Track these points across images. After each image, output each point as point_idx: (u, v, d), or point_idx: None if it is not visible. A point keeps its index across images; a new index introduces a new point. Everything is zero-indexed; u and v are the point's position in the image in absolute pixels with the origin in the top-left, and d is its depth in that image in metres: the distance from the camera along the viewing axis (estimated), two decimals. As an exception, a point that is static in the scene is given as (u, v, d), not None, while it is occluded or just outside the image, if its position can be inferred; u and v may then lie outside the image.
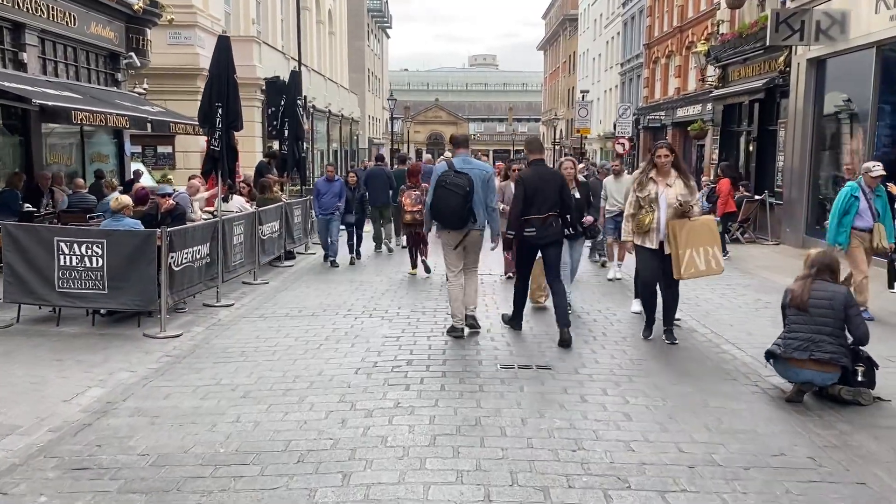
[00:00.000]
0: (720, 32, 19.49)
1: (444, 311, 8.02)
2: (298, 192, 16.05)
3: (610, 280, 10.02)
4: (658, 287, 6.78)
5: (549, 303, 7.95)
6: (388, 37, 61.02)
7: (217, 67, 9.58)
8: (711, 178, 17.14)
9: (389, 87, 59.33)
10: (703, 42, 20.98)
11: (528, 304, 7.88)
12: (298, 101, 13.77)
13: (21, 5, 11.67)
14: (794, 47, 14.54)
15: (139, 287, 7.10)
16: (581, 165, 27.39)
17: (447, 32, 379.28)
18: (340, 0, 38.13)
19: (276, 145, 14.89)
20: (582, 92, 37.28)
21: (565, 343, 6.52)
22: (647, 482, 3.84)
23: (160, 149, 20.33)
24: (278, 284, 10.01)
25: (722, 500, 3.66)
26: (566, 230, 6.91)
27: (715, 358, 6.35)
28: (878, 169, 7.72)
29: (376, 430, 4.51)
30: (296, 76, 14.15)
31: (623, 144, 26.78)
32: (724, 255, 8.26)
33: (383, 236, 13.67)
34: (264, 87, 21.58)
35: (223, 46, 9.71)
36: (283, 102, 13.83)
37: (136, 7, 15.07)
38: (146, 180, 15.03)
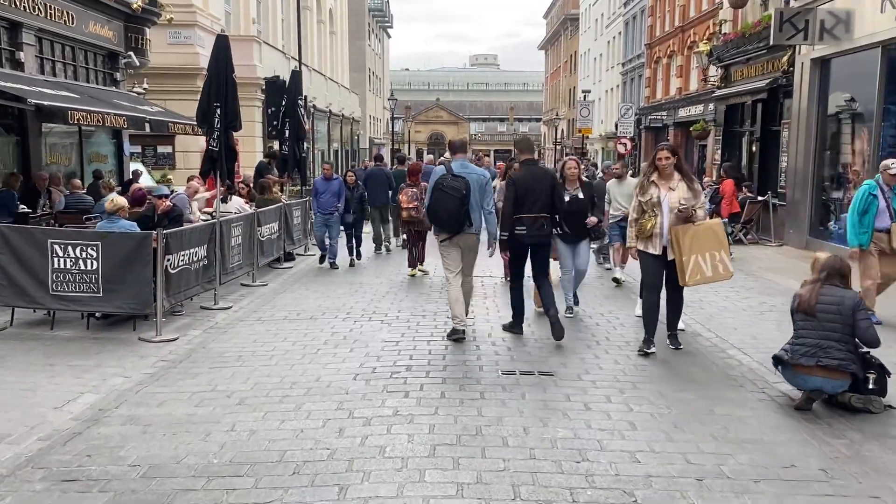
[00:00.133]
0: (722, 32, 19.36)
1: (445, 314, 7.90)
2: (299, 193, 15.93)
3: (615, 281, 9.84)
4: (663, 292, 6.59)
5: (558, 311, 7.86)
6: (389, 36, 60.88)
7: (215, 67, 9.47)
8: (714, 178, 17.02)
9: (390, 86, 59.20)
10: (705, 42, 20.85)
11: (532, 308, 7.78)
12: (299, 101, 13.65)
13: (18, 4, 11.56)
14: (797, 47, 14.40)
15: (134, 290, 6.99)
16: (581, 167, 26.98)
17: (448, 32, 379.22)
18: (341, -1, 38.05)
19: (276, 145, 14.77)
20: (584, 92, 37.14)
21: (557, 332, 6.66)
22: (655, 496, 3.72)
23: (160, 149, 20.23)
24: (277, 286, 9.89)
25: (731, 515, 3.55)
26: (555, 230, 7.00)
27: (720, 363, 6.22)
28: None
29: (374, 440, 4.39)
30: (296, 76, 14.03)
31: (625, 144, 26.68)
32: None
33: (383, 237, 13.56)
34: (264, 87, 21.49)
35: (221, 45, 9.59)
36: (283, 102, 13.71)
37: (134, 6, 14.96)
38: (145, 180, 14.92)
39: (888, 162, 7.55)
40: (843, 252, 12.44)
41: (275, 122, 14.53)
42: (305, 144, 15.43)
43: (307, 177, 15.62)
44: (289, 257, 12.01)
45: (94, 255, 6.93)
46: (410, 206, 10.40)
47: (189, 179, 12.53)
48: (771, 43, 14.25)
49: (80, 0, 13.35)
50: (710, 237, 6.29)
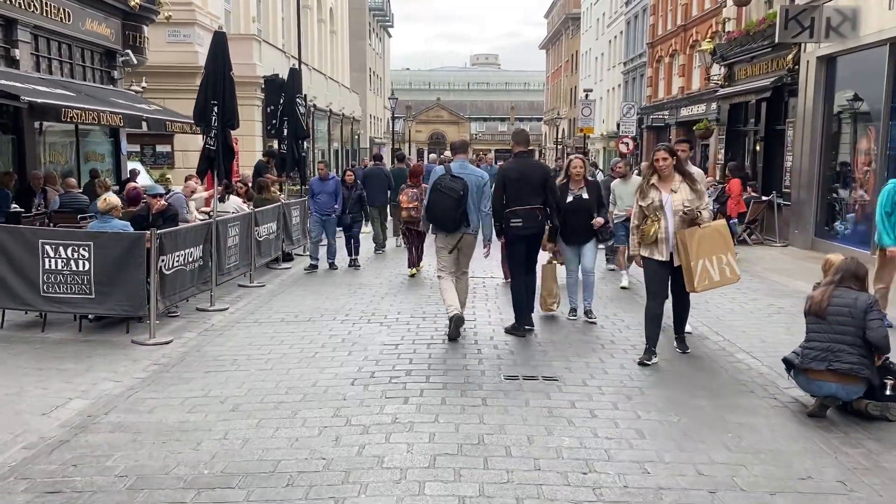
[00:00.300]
0: (726, 30, 19.16)
1: (445, 315, 7.71)
2: (298, 192, 15.76)
3: (623, 288, 9.63)
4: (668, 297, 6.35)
5: (560, 310, 7.70)
6: (389, 36, 60.68)
7: (213, 64, 9.31)
8: (717, 178, 16.84)
9: (391, 86, 59.06)
10: (708, 40, 20.65)
11: (538, 311, 7.61)
12: (298, 100, 13.46)
13: (13, 1, 11.39)
14: (803, 45, 14.23)
15: (128, 291, 6.82)
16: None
17: (449, 32, 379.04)
18: (341, -2, 37.86)
19: (276, 144, 14.59)
20: (585, 91, 36.91)
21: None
22: (665, 510, 3.54)
23: (159, 148, 20.09)
24: (275, 287, 9.72)
25: (747, 531, 3.37)
26: (548, 223, 7.03)
27: (729, 368, 6.05)
28: None
29: (372, 449, 4.21)
30: (294, 74, 13.83)
31: (627, 144, 26.47)
32: None
33: (382, 237, 13.40)
34: (264, 86, 21.32)
35: (219, 42, 9.42)
36: (281, 101, 13.53)
37: (132, 3, 14.79)
38: (143, 179, 14.74)
39: None
40: (850, 253, 12.30)
41: (273, 121, 14.35)
42: (305, 144, 15.27)
43: (307, 176, 15.46)
44: (287, 257, 11.83)
45: (86, 255, 6.76)
46: (410, 206, 10.29)
47: (187, 179, 12.39)
48: (776, 41, 14.07)
49: (77, -3, 13.20)
50: (716, 240, 6.02)
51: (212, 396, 5.21)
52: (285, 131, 13.13)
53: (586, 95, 35.03)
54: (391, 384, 5.43)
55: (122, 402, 5.10)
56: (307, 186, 15.21)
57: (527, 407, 4.93)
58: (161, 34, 17.84)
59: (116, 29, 14.89)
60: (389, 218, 14.70)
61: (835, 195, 13.80)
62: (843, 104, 13.55)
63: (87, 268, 6.77)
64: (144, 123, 12.39)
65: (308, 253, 11.86)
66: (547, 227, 7.10)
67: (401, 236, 12.52)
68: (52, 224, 10.39)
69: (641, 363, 6.01)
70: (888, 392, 4.82)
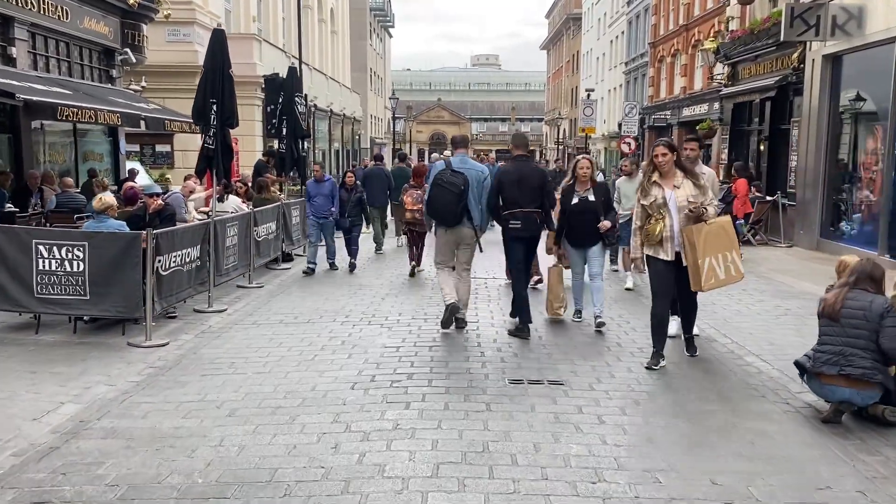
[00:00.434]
0: (730, 29, 19.01)
1: (461, 314, 7.56)
2: (298, 192, 15.61)
3: (628, 290, 9.45)
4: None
5: (567, 314, 7.54)
6: (390, 36, 60.55)
7: (211, 62, 9.17)
8: (721, 178, 16.67)
9: (392, 86, 58.90)
10: (711, 39, 20.51)
11: (545, 315, 7.46)
12: (297, 99, 13.31)
13: (10, -2, 11.26)
14: (808, 43, 14.07)
15: (123, 293, 6.67)
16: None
17: (450, 32, 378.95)
18: (342, -2, 37.72)
19: (276, 144, 14.44)
20: (587, 91, 36.77)
21: (517, 334, 6.82)
22: (679, 522, 3.39)
23: (158, 147, 19.97)
24: (274, 288, 9.58)
25: (765, 544, 3.22)
26: (544, 226, 7.09)
27: (739, 371, 5.90)
28: None
29: (373, 457, 4.06)
30: (293, 73, 13.68)
31: (629, 144, 26.28)
32: None
33: (382, 237, 13.26)
34: (264, 86, 21.19)
35: (218, 40, 9.29)
36: (280, 100, 13.38)
37: (131, 1, 14.66)
38: (142, 179, 14.61)
39: None
40: (856, 253, 12.12)
41: (273, 121, 14.20)
42: (306, 144, 15.11)
43: (307, 176, 15.30)
44: (287, 258, 11.69)
45: (81, 256, 6.61)
46: (415, 207, 10.13)
47: (186, 178, 12.24)
48: (781, 39, 13.91)
49: (75, -5, 13.07)
50: (721, 237, 5.82)
51: (208, 401, 5.06)
52: (284, 130, 12.98)
53: (588, 95, 34.89)
54: (392, 388, 5.28)
55: (115, 407, 4.96)
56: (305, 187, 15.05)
57: (532, 412, 4.78)
58: (161, 33, 17.72)
59: (115, 27, 14.76)
60: (390, 217, 14.57)
61: (841, 195, 13.64)
62: (849, 103, 13.39)
63: (81, 268, 6.62)
64: (143, 122, 12.24)
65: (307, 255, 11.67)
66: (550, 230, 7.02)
67: (402, 236, 12.42)
68: (48, 224, 10.26)
69: (649, 367, 5.83)
70: (906, 397, 4.66)
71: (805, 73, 14.31)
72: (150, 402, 5.05)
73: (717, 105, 21.29)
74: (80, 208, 10.38)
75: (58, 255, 6.63)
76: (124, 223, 7.22)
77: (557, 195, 9.00)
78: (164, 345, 6.54)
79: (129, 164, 15.93)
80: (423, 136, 75.99)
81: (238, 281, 9.42)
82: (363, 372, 5.70)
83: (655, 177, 5.92)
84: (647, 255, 5.96)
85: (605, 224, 7.08)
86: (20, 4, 11.56)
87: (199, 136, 9.13)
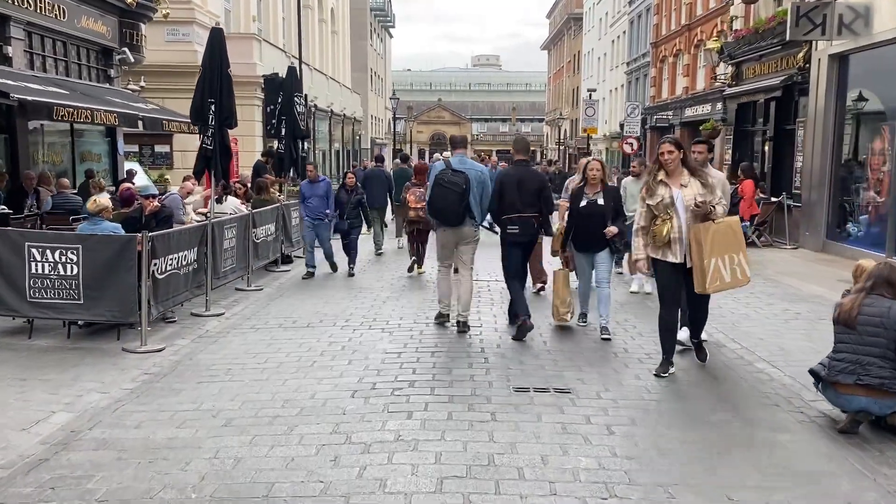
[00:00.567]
0: (734, 28, 18.84)
1: (451, 323, 7.43)
2: (298, 193, 15.45)
3: (633, 293, 9.29)
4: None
5: (574, 321, 7.37)
6: (391, 36, 60.39)
7: (209, 61, 9.04)
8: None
9: (392, 86, 58.76)
10: (714, 39, 20.34)
11: (552, 322, 7.28)
12: (296, 99, 13.17)
13: (5, -3, 11.11)
14: (814, 43, 13.91)
15: (118, 297, 6.52)
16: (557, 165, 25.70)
17: (450, 32, 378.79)
18: (343, -2, 37.57)
19: (276, 144, 14.29)
20: (589, 91, 36.61)
21: (520, 334, 6.79)
22: (696, 541, 3.23)
23: (157, 148, 19.83)
24: (273, 291, 9.42)
25: (787, 566, 3.06)
26: (542, 230, 7.16)
27: (750, 378, 5.73)
28: None
29: (373, 471, 3.89)
30: (293, 72, 13.54)
31: (631, 144, 26.15)
32: None
33: (382, 239, 13.12)
34: (264, 86, 21.05)
35: (216, 39, 9.15)
36: (279, 100, 13.24)
37: (129, 0, 14.51)
38: (141, 180, 14.46)
39: None
40: (863, 255, 11.97)
41: (273, 121, 14.06)
42: (306, 144, 14.97)
43: (306, 177, 15.15)
44: (286, 260, 11.53)
45: (75, 259, 6.45)
46: (418, 205, 9.96)
47: (184, 179, 12.08)
48: (787, 38, 13.75)
49: (72, -6, 12.91)
50: (729, 237, 5.55)
51: (203, 410, 4.91)
52: (283, 131, 12.84)
53: (590, 95, 34.74)
54: (394, 397, 5.12)
55: (107, 416, 4.80)
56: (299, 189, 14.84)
57: (539, 422, 4.61)
58: (160, 33, 17.59)
59: (113, 26, 14.61)
60: (391, 218, 14.42)
61: (847, 196, 13.47)
62: (856, 103, 13.23)
63: (75, 272, 6.47)
64: (140, 123, 12.09)
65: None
66: (558, 232, 6.87)
67: (403, 237, 12.29)
68: (44, 225, 10.11)
69: (658, 375, 5.66)
70: (927, 407, 4.49)
71: (811, 73, 14.15)
72: (143, 411, 4.89)
73: (719, 105, 21.12)
74: (77, 210, 10.21)
75: (51, 258, 6.47)
76: (119, 225, 7.06)
77: (560, 200, 8.83)
78: (159, 350, 6.38)
79: (128, 165, 15.78)
80: (423, 136, 75.85)
81: (236, 284, 9.27)
82: (364, 379, 5.54)
83: (661, 176, 5.67)
84: (654, 258, 5.72)
85: (612, 230, 6.74)
86: (16, 3, 11.41)
87: (198, 136, 9.00)
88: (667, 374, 5.65)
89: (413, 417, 4.69)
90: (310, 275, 10.45)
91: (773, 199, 15.01)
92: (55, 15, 12.57)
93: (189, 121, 10.62)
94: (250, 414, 4.80)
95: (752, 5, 17.64)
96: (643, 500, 3.59)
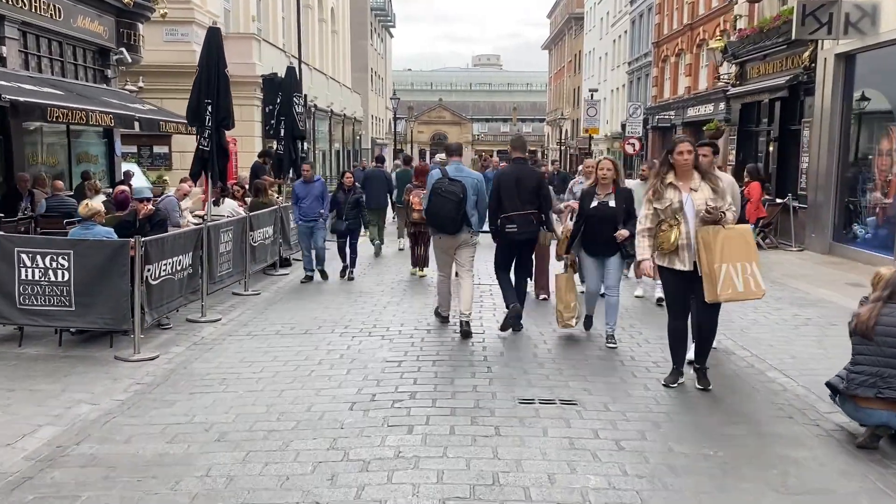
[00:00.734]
0: (738, 28, 18.66)
1: (453, 329, 7.27)
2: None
3: (638, 297, 9.08)
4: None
5: (579, 327, 7.14)
6: (391, 36, 60.20)
7: (206, 61, 8.87)
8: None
9: (393, 86, 58.57)
10: (718, 38, 20.15)
11: (556, 328, 7.08)
12: (295, 99, 12.97)
13: (0, -3, 10.94)
14: (820, 42, 13.71)
15: (110, 303, 6.34)
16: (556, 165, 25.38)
17: (451, 32, 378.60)
18: (343, -3, 37.38)
19: (275, 145, 14.10)
20: (591, 91, 36.42)
21: (508, 323, 7.02)
22: (714, 570, 3.05)
23: (156, 149, 19.67)
24: (271, 295, 9.24)
25: None
26: (542, 228, 7.22)
27: (762, 389, 5.54)
28: None
29: (372, 491, 3.71)
30: (292, 72, 13.33)
31: (633, 144, 25.99)
32: None
33: (380, 240, 12.97)
34: (263, 86, 20.88)
35: (212, 38, 8.98)
36: (278, 100, 13.04)
37: (126, 0, 14.33)
38: (139, 181, 14.29)
39: None
40: (870, 258, 11.76)
41: (271, 121, 13.87)
42: (305, 145, 14.78)
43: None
44: (285, 263, 11.34)
45: (66, 264, 6.28)
46: (422, 207, 9.80)
47: (181, 181, 11.90)
48: (793, 37, 13.56)
49: (68, -7, 12.74)
50: (741, 245, 5.22)
51: (196, 423, 4.72)
52: (283, 132, 12.64)
53: (591, 95, 34.56)
54: (394, 409, 4.93)
55: (96, 430, 4.62)
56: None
57: (545, 437, 4.43)
58: (159, 33, 17.43)
59: (110, 26, 14.43)
60: (391, 219, 14.25)
61: (853, 197, 13.28)
62: (863, 103, 13.04)
63: (66, 278, 6.29)
64: (137, 124, 11.92)
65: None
66: (564, 236, 6.70)
67: (405, 238, 12.18)
68: (37, 229, 9.94)
69: (667, 385, 5.46)
70: (950, 422, 4.31)
71: (817, 73, 13.95)
72: (133, 424, 4.71)
73: (722, 105, 20.94)
74: (71, 213, 10.02)
75: (41, 264, 6.30)
76: (112, 230, 6.88)
77: (562, 202, 8.61)
78: (153, 358, 6.21)
79: (125, 166, 15.61)
80: (424, 136, 75.66)
81: (234, 288, 9.09)
82: (363, 390, 5.36)
83: (671, 178, 5.36)
84: (661, 266, 5.43)
85: (623, 233, 6.37)
86: (10, 2, 11.23)
87: (195, 137, 8.83)
88: (676, 385, 5.46)
89: (414, 432, 4.50)
90: (308, 279, 10.25)
91: (779, 201, 14.82)
92: (51, 14, 12.40)
93: (185, 121, 10.45)
94: (244, 428, 4.62)
95: (757, 4, 17.45)
96: (656, 524, 3.41)
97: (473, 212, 7.07)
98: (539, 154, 59.51)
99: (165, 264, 6.84)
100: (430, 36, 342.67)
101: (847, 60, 13.22)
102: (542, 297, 8.79)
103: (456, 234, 7.07)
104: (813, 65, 14.19)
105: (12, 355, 6.26)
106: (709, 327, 5.48)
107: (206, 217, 8.74)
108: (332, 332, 7.23)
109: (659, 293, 8.43)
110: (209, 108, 8.95)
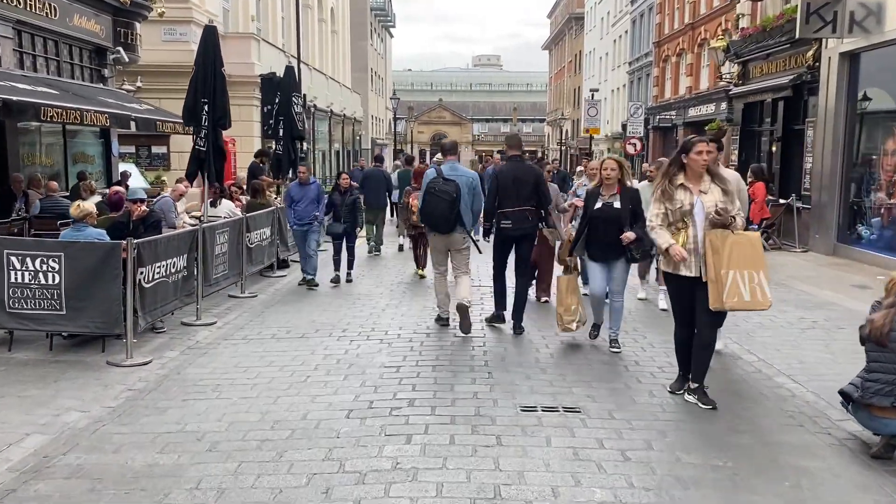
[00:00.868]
0: (740, 27, 18.52)
1: (453, 332, 7.12)
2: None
3: (641, 300, 8.91)
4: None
5: (581, 331, 6.95)
6: (391, 36, 60.03)
7: (203, 60, 8.77)
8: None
9: (393, 86, 58.42)
10: (720, 37, 20.01)
11: (558, 332, 6.91)
12: (294, 99, 12.83)
13: (-7, -6, 10.79)
14: (824, 41, 13.57)
15: (102, 307, 6.19)
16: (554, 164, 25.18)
17: (451, 33, 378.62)
18: (342, -3, 37.24)
19: (274, 145, 13.96)
20: (591, 91, 36.26)
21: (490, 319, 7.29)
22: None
23: (154, 149, 19.53)
24: (267, 298, 9.09)
25: None
26: (540, 223, 7.19)
27: (770, 395, 5.40)
28: None
29: (369, 506, 3.57)
30: (291, 72, 13.19)
31: (634, 144, 25.83)
32: None
33: (378, 240, 12.83)
34: (262, 86, 20.74)
35: (209, 37, 8.89)
36: (277, 100, 12.91)
37: (123, -1, 14.19)
38: (136, 181, 14.14)
39: None
40: (875, 259, 11.60)
41: (270, 121, 13.72)
42: (305, 145, 14.64)
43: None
44: (282, 264, 11.19)
45: (56, 267, 6.12)
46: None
47: (177, 181, 11.76)
48: (797, 36, 13.41)
49: (64, -9, 12.59)
50: (749, 252, 4.96)
51: (188, 431, 4.58)
52: (281, 132, 12.50)
53: (592, 95, 34.41)
54: (391, 417, 4.78)
55: (85, 439, 4.47)
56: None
57: (548, 447, 4.27)
58: (157, 32, 17.28)
59: (107, 25, 14.27)
60: (390, 219, 14.12)
61: (858, 198, 13.13)
62: (868, 103, 12.89)
63: (57, 281, 6.14)
64: (133, 123, 11.76)
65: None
66: (567, 239, 6.55)
67: (405, 237, 12.09)
68: (31, 230, 9.80)
69: (672, 391, 5.31)
70: (968, 431, 4.16)
71: (821, 72, 13.81)
72: (123, 433, 4.57)
73: (724, 105, 20.80)
74: (66, 214, 9.87)
75: (31, 267, 6.14)
76: (104, 232, 6.73)
77: (565, 202, 8.46)
78: (146, 363, 6.06)
79: (123, 166, 15.46)
80: (424, 136, 75.50)
81: (230, 290, 8.94)
82: (360, 397, 5.21)
83: (682, 179, 5.15)
84: (666, 273, 5.27)
85: (629, 235, 6.10)
86: (5, 1, 11.08)
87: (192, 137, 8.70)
88: (682, 392, 5.30)
89: (412, 442, 4.35)
90: (311, 283, 10.06)
91: (782, 201, 14.67)
92: (46, 13, 12.24)
93: (181, 121, 10.31)
94: (237, 437, 4.47)
95: (759, 3, 17.30)
96: (665, 541, 3.26)
97: (468, 211, 7.08)
98: (540, 154, 59.31)
99: (159, 267, 6.69)
100: (430, 36, 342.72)
101: (851, 59, 13.07)
102: (543, 299, 8.62)
103: (449, 233, 7.09)
104: (817, 64, 14.05)
105: (2, 360, 6.11)
106: (708, 338, 5.19)
107: (202, 218, 8.60)
108: (329, 335, 7.09)
109: (662, 301, 8.29)
110: (206, 107, 8.84)
